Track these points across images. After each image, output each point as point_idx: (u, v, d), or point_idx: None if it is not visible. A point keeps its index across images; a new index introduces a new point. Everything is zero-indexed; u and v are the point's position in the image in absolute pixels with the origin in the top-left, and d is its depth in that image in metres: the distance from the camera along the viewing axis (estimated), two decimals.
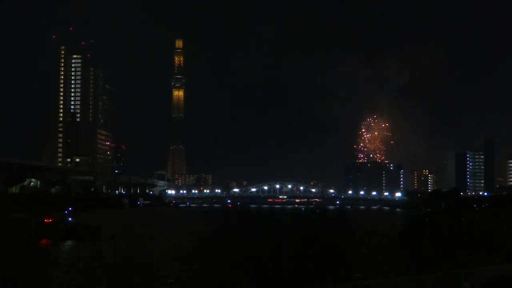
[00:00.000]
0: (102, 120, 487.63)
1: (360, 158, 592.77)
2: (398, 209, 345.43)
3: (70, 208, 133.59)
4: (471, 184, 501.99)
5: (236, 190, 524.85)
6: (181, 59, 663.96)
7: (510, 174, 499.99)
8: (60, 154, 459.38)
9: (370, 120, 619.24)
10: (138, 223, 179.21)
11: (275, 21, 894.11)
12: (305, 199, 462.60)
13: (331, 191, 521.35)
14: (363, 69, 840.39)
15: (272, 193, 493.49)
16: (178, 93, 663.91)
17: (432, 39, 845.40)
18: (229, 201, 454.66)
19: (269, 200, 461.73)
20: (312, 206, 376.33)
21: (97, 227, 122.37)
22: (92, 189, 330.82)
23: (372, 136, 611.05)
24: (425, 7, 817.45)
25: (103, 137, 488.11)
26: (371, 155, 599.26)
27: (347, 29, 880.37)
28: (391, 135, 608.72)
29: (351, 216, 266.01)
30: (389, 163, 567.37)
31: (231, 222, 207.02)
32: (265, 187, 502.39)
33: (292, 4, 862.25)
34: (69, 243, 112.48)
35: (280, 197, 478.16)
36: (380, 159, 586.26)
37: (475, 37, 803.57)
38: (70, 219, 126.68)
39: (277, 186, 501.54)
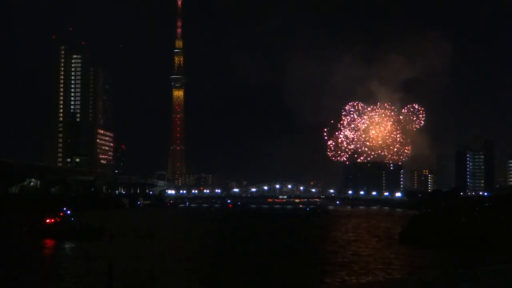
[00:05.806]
0: (102, 120, 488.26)
1: (360, 158, 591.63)
2: (398, 209, 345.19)
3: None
4: (471, 184, 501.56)
5: (236, 190, 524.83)
6: (181, 59, 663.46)
7: (510, 174, 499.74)
8: (60, 154, 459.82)
9: (370, 119, 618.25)
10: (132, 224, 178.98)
11: (275, 21, 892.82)
12: (305, 199, 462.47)
13: (331, 191, 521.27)
14: (363, 67, 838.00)
15: (272, 193, 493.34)
16: (178, 93, 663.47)
17: (432, 38, 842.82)
18: (229, 201, 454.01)
19: (269, 200, 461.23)
20: (314, 206, 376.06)
21: (100, 228, 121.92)
22: (92, 189, 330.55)
23: (372, 136, 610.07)
24: (426, 4, 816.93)
25: (103, 137, 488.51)
26: (371, 155, 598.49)
27: (346, 26, 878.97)
28: (391, 135, 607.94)
29: (352, 216, 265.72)
30: (389, 163, 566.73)
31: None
32: (265, 187, 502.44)
33: (291, 3, 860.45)
34: (72, 243, 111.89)
35: (280, 197, 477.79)
36: (380, 159, 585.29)
37: (475, 37, 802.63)
38: (73, 219, 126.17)
39: (277, 186, 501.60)
